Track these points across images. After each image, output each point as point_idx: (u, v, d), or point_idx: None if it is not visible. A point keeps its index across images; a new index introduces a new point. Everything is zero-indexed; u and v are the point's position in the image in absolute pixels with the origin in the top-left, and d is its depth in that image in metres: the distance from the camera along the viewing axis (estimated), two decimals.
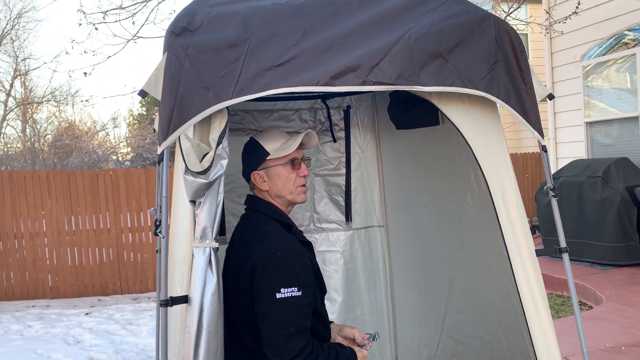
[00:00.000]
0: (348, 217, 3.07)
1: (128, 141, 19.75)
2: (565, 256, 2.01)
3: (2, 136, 18.22)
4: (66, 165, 14.74)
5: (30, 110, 18.62)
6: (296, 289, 1.68)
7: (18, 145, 18.60)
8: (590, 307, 5.59)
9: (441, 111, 1.89)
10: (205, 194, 1.57)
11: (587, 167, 6.89)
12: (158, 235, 1.66)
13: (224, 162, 1.58)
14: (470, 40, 1.85)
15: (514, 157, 11.11)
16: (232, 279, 1.80)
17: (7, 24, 17.55)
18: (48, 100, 19.07)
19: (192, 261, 1.56)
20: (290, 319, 1.67)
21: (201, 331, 1.52)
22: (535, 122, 1.94)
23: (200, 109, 1.55)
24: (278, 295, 1.66)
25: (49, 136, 19.10)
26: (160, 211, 1.65)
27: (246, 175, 1.98)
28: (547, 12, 7.85)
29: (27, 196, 8.12)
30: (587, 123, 8.07)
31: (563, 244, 2.02)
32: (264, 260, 1.70)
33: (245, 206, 2.01)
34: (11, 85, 18.26)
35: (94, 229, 8.34)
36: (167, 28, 1.62)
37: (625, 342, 4.25)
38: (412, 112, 2.54)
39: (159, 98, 1.57)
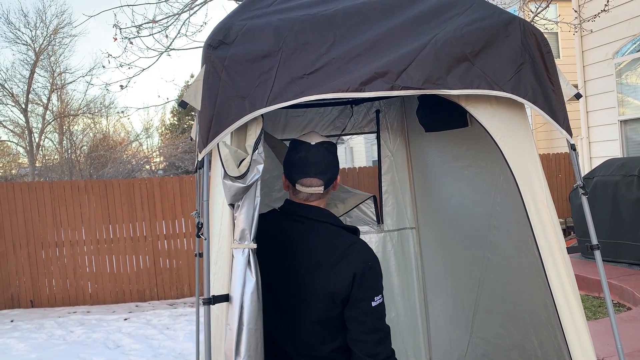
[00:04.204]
0: (380, 219, 3.13)
1: (161, 150, 20.16)
2: (597, 253, 2.02)
3: (40, 148, 18.82)
4: (102, 175, 15.14)
5: (66, 122, 19.19)
6: (381, 295, 1.78)
7: (55, 157, 19.19)
8: (629, 308, 5.49)
9: (469, 113, 1.93)
10: (243, 198, 1.65)
11: (622, 166, 6.76)
12: (200, 237, 1.75)
13: (260, 167, 1.65)
14: (496, 43, 1.88)
15: (547, 158, 10.95)
16: (322, 296, 1.76)
17: (44, 40, 18.16)
18: (83, 113, 19.63)
19: (232, 262, 1.64)
20: (381, 325, 1.77)
21: (242, 328, 1.59)
22: (563, 121, 1.96)
23: (237, 117, 1.63)
24: (373, 304, 1.74)
25: (85, 147, 19.66)
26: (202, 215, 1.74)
27: (334, 178, 1.88)
28: (576, 11, 7.76)
29: (66, 206, 8.40)
30: (621, 121, 7.93)
31: (594, 241, 2.03)
32: (362, 271, 1.75)
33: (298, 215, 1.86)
34: (48, 99, 18.87)
35: (130, 236, 8.56)
36: (204, 41, 1.70)
37: None
38: (441, 115, 2.58)
39: (199, 108, 1.66)
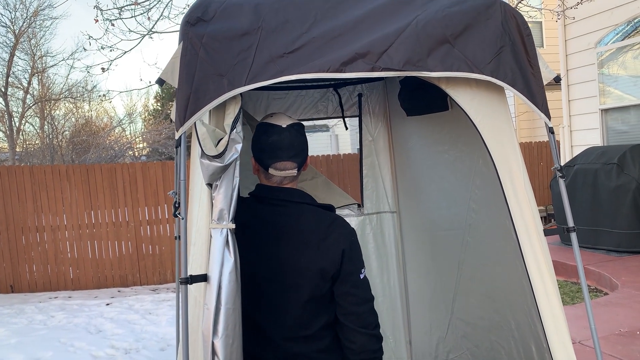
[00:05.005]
0: (360, 202, 3.14)
1: (144, 136, 19.94)
2: (573, 235, 2.04)
3: (21, 133, 18.52)
4: (84, 161, 14.95)
5: (48, 107, 18.87)
6: (364, 268, 1.84)
7: (37, 142, 18.89)
8: (606, 294, 5.59)
9: (450, 96, 1.93)
10: (221, 178, 1.63)
11: (602, 154, 6.86)
12: (177, 216, 1.73)
13: (238, 147, 1.64)
14: (477, 26, 1.88)
15: (529, 146, 11.05)
16: (312, 275, 1.77)
17: (24, 22, 17.79)
18: (65, 97, 19.32)
19: (210, 242, 1.63)
20: (370, 296, 1.82)
21: (220, 308, 1.59)
22: (542, 104, 1.98)
23: (215, 96, 1.61)
24: (361, 276, 1.80)
25: (67, 132, 19.36)
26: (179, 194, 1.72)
27: (306, 159, 1.88)
28: None
29: (47, 190, 8.30)
30: (602, 110, 8.02)
31: (571, 223, 2.05)
32: (349, 245, 1.79)
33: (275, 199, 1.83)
34: (29, 83, 18.52)
35: (112, 222, 8.50)
36: (182, 18, 1.68)
37: None
38: (422, 99, 2.58)
39: (176, 85, 1.63)
